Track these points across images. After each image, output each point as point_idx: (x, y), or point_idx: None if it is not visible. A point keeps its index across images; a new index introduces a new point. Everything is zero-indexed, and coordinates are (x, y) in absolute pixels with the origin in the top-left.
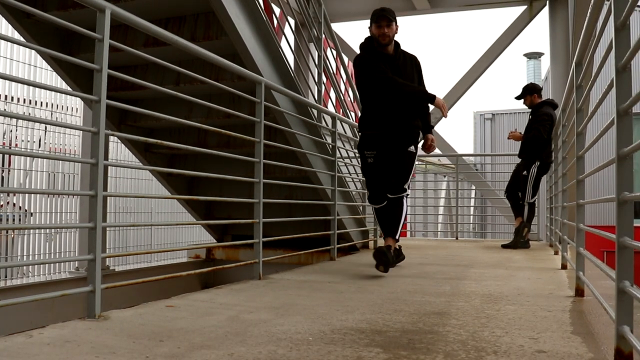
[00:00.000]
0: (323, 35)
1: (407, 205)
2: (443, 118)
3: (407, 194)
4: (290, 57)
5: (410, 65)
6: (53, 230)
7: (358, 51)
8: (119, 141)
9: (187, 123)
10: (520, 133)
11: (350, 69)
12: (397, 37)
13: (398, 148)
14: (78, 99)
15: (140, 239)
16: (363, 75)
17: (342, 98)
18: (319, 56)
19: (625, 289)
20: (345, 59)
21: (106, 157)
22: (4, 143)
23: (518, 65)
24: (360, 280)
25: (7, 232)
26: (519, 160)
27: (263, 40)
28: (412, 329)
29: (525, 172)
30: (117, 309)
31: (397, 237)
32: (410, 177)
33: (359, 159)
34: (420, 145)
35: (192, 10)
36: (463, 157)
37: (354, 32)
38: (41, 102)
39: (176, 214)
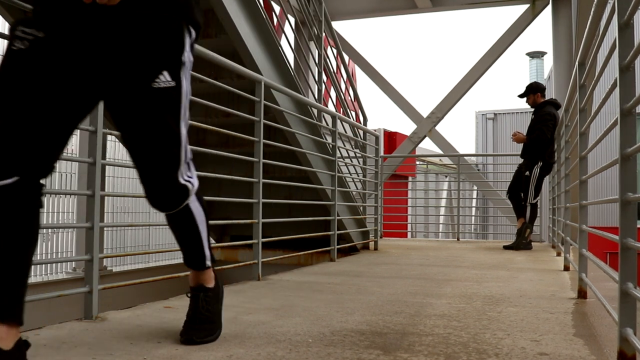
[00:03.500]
0: (323, 34)
1: (202, 208)
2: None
3: (193, 187)
4: (290, 56)
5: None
6: (50, 230)
7: (360, 50)
8: (117, 140)
9: None
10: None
11: (351, 68)
12: (395, 35)
13: (129, 85)
14: None
15: (138, 239)
16: None
17: (343, 97)
18: (319, 55)
19: (629, 290)
20: (346, 57)
21: (104, 156)
22: None
23: (520, 65)
24: (361, 281)
25: None
26: (521, 161)
27: (263, 38)
28: (413, 331)
29: (527, 173)
30: (115, 310)
31: (207, 262)
32: (185, 147)
33: (358, 159)
34: (186, 61)
35: None
36: (465, 157)
37: (355, 31)
38: None
39: None
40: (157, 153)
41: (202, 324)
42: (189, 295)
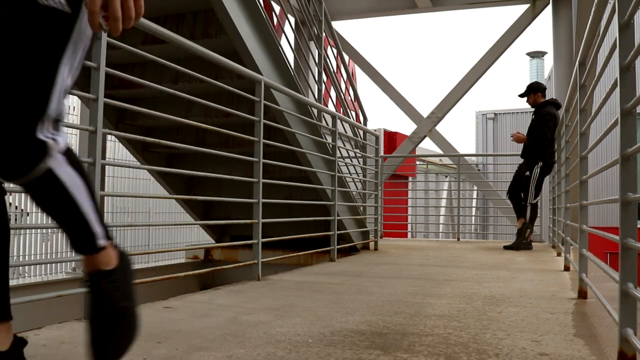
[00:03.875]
0: (323, 34)
1: (75, 172)
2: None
3: (56, 144)
4: (290, 56)
5: None
6: (50, 230)
7: (360, 50)
8: (117, 140)
9: (185, 122)
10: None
11: (351, 68)
12: (395, 35)
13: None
14: (75, 97)
15: (138, 239)
16: None
17: (343, 97)
18: (320, 55)
19: (629, 291)
20: (346, 57)
21: (104, 157)
22: None
23: (521, 65)
24: (361, 281)
25: None
26: (521, 161)
27: (263, 38)
28: (413, 331)
29: (528, 173)
30: None
31: (99, 242)
32: (59, 96)
33: (358, 159)
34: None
35: (191, 8)
36: (465, 157)
37: (355, 31)
38: None
39: (174, 214)
40: (18, 85)
41: (116, 325)
42: (86, 284)
